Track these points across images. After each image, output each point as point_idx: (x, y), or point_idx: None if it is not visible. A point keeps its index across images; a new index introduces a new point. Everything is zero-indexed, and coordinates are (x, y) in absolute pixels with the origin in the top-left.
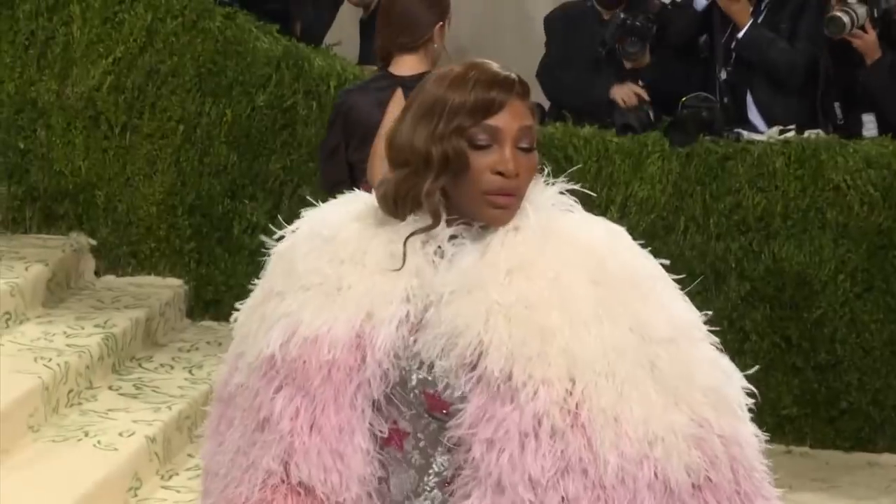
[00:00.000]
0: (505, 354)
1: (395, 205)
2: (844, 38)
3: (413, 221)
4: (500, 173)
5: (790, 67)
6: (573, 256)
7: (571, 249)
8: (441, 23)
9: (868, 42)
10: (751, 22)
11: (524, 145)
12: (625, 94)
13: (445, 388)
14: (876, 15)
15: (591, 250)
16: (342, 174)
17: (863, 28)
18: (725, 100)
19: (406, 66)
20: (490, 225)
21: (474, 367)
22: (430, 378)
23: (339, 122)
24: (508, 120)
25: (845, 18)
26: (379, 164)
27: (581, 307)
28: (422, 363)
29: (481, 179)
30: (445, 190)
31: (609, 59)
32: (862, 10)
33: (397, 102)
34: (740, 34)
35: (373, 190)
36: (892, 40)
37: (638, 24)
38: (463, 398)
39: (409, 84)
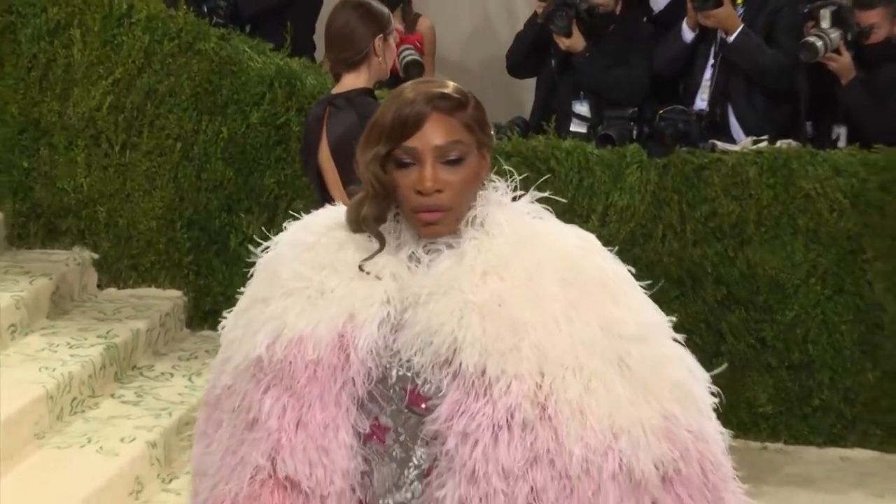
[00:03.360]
0: (479, 350)
1: (357, 226)
2: (819, 61)
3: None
4: (420, 193)
5: (780, 70)
6: (545, 259)
7: (544, 253)
8: (381, 35)
9: (843, 64)
10: (741, 27)
11: (452, 158)
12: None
13: (423, 383)
14: (849, 38)
15: (563, 254)
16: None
17: (837, 51)
18: (706, 111)
19: (344, 84)
20: (425, 238)
21: (449, 364)
22: (409, 374)
23: (304, 139)
24: (427, 138)
25: (819, 43)
26: (329, 175)
27: (553, 306)
28: (401, 360)
29: (408, 198)
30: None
31: (561, 73)
32: (835, 34)
33: (327, 119)
34: (731, 38)
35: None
36: (864, 61)
37: (578, 7)
38: (438, 392)
39: (335, 101)
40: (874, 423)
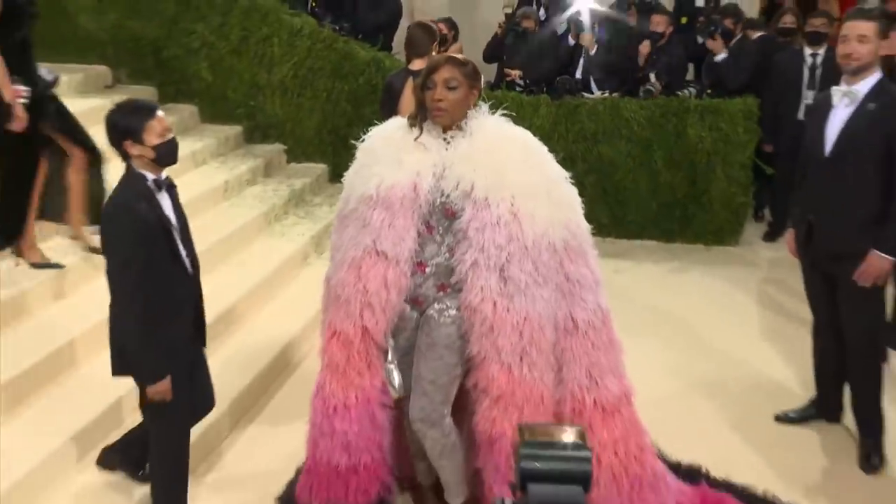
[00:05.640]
0: (484, 188)
1: (412, 123)
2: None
3: (424, 128)
4: (433, 100)
5: (620, 64)
6: (513, 142)
7: (512, 139)
8: (435, 41)
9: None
10: (596, 47)
11: (451, 86)
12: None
13: (453, 204)
14: (661, 85)
15: (521, 141)
16: (390, 114)
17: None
18: (580, 79)
19: (416, 65)
20: (438, 124)
21: (469, 195)
22: (447, 200)
23: (385, 91)
24: (439, 76)
25: (653, 90)
26: (406, 110)
27: (518, 165)
28: (443, 193)
29: (429, 105)
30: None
31: (508, 63)
32: (656, 82)
33: (409, 84)
34: (592, 52)
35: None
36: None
37: (518, 31)
38: (462, 209)
39: (415, 75)
40: (656, 230)
